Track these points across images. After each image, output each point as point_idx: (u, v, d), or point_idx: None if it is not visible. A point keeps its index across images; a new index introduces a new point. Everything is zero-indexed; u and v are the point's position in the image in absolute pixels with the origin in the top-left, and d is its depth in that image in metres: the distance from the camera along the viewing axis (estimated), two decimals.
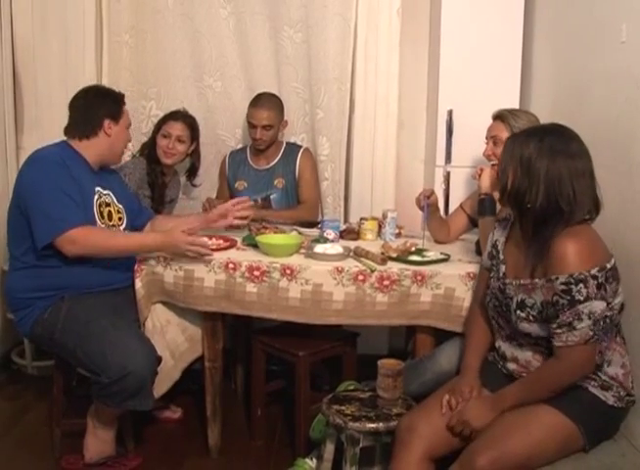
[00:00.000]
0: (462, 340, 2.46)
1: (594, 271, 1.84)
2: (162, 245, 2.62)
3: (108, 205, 2.74)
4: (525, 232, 2.01)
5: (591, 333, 1.86)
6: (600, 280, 1.84)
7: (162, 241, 2.62)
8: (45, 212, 2.49)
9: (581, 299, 1.83)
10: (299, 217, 3.36)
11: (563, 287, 1.85)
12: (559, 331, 1.88)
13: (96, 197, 2.67)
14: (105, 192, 2.74)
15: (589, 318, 1.84)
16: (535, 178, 1.90)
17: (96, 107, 2.71)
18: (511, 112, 2.67)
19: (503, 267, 2.10)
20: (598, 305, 1.85)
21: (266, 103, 3.38)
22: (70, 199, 2.51)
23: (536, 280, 1.94)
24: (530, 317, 1.97)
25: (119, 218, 2.78)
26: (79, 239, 2.48)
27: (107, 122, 2.69)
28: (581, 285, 1.83)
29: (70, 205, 2.51)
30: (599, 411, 1.96)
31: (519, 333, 2.03)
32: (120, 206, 2.80)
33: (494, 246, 2.17)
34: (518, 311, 1.99)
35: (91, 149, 2.69)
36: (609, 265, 1.88)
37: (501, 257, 2.12)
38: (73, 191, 2.55)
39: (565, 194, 1.88)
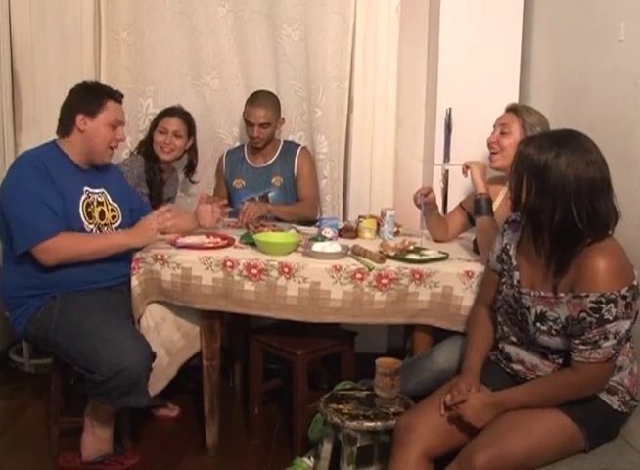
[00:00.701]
0: (460, 338, 2.46)
1: (624, 291, 1.80)
2: (132, 234, 2.63)
3: (100, 203, 2.72)
4: (540, 246, 1.95)
5: (613, 352, 1.84)
6: (629, 299, 1.81)
7: (132, 231, 2.65)
8: (20, 222, 2.49)
9: (610, 318, 1.80)
10: (300, 214, 3.37)
11: (592, 305, 1.81)
12: (582, 347, 1.84)
13: (83, 197, 2.65)
14: (96, 191, 2.71)
15: (614, 338, 1.81)
16: (551, 195, 1.83)
17: (71, 101, 2.67)
18: (526, 107, 2.68)
19: (517, 274, 2.04)
20: (624, 325, 1.82)
21: (263, 101, 3.38)
22: (45, 206, 2.49)
23: (561, 294, 1.90)
24: (553, 331, 1.93)
25: (113, 217, 2.76)
26: (52, 250, 2.49)
27: (79, 117, 2.62)
28: (611, 305, 1.79)
29: (45, 213, 2.49)
30: (603, 415, 1.96)
31: (535, 343, 2.00)
32: (115, 204, 2.78)
33: (505, 250, 2.12)
34: (538, 324, 1.96)
35: (72, 147, 2.66)
36: (635, 282, 1.85)
37: (513, 263, 2.07)
38: (50, 196, 2.52)
39: (582, 211, 1.82)
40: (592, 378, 1.88)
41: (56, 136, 2.71)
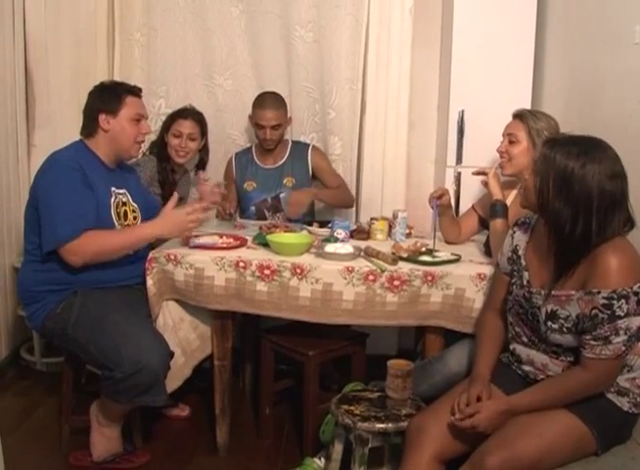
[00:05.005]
0: (472, 341, 2.45)
1: (636, 287, 1.82)
2: (161, 228, 2.60)
3: (124, 204, 2.73)
4: (551, 245, 1.96)
5: (624, 348, 1.85)
6: None
7: (160, 224, 2.61)
8: (50, 222, 2.49)
9: (621, 314, 1.81)
10: (342, 197, 3.50)
11: (604, 301, 1.82)
12: (593, 343, 1.85)
13: (112, 198, 2.67)
14: (120, 191, 2.73)
15: (625, 334, 1.83)
16: (575, 204, 1.85)
17: (91, 103, 2.67)
18: (532, 112, 2.66)
19: (526, 274, 2.06)
20: (635, 322, 1.83)
21: (273, 103, 3.38)
22: (76, 208, 2.49)
23: (572, 292, 1.91)
24: (564, 329, 1.93)
25: (134, 218, 2.77)
26: (78, 250, 2.49)
27: (102, 117, 2.63)
28: (623, 301, 1.81)
29: (74, 215, 2.48)
30: (613, 417, 1.95)
31: (547, 342, 2.00)
32: (135, 205, 2.79)
33: (514, 251, 2.13)
34: (549, 323, 1.96)
35: (99, 147, 2.67)
36: None
37: (523, 263, 2.09)
38: (84, 199, 2.53)
39: (599, 222, 1.84)
40: (602, 374, 1.89)
41: (75, 134, 2.71)
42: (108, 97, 2.66)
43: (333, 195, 3.45)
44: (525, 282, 2.06)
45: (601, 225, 1.85)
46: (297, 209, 3.20)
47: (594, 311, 1.84)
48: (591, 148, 1.90)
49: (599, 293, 1.83)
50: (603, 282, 1.83)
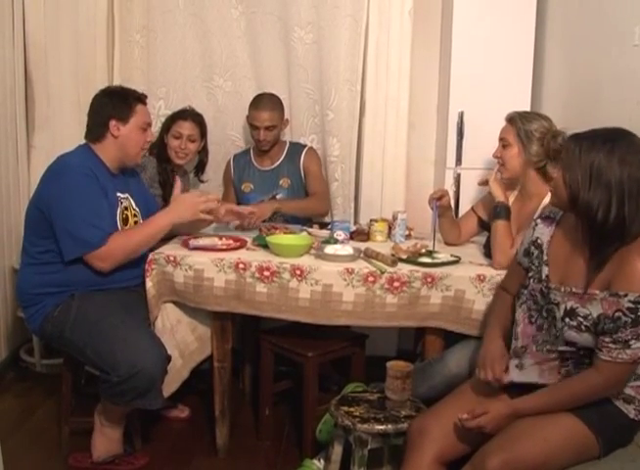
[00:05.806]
0: (472, 343, 2.46)
1: None
2: (175, 213, 2.65)
3: (126, 209, 2.73)
4: (584, 241, 1.92)
5: None
6: None
7: (174, 209, 2.66)
8: (72, 232, 2.50)
9: None
10: (310, 208, 3.42)
11: (630, 305, 1.79)
12: (612, 346, 1.82)
13: (119, 203, 2.68)
14: (123, 196, 2.73)
15: None
16: (607, 192, 1.81)
17: (102, 107, 2.67)
18: (522, 114, 2.64)
19: (546, 269, 2.02)
20: None
21: (268, 104, 3.39)
22: (97, 216, 2.52)
23: (595, 291, 1.87)
24: (582, 327, 1.90)
25: (135, 222, 2.77)
26: (107, 256, 2.53)
27: (113, 123, 2.64)
28: None
29: (96, 223, 2.51)
30: (619, 423, 1.93)
31: (560, 340, 1.96)
32: (137, 209, 2.80)
33: (535, 244, 2.08)
34: (567, 319, 1.92)
35: (105, 152, 2.67)
36: None
37: (544, 257, 2.04)
38: (101, 205, 2.55)
39: (632, 208, 1.81)
40: (613, 378, 1.87)
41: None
42: (119, 103, 2.67)
43: (298, 206, 3.39)
44: (543, 276, 2.02)
45: (634, 212, 1.81)
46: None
47: (617, 314, 1.81)
48: (616, 136, 1.88)
49: (626, 296, 1.79)
50: (630, 285, 1.79)
